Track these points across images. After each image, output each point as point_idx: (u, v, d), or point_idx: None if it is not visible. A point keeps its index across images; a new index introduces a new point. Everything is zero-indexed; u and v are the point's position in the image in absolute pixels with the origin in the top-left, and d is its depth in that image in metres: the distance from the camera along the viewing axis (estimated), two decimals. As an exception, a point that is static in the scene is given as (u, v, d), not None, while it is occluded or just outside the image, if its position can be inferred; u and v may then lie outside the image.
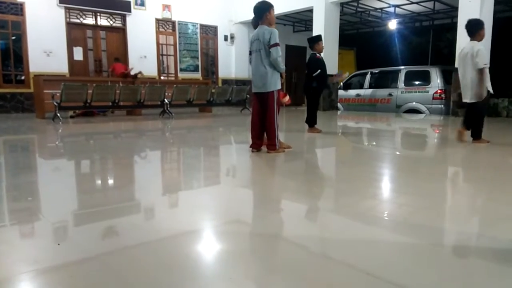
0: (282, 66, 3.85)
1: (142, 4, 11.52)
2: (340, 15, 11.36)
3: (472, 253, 1.66)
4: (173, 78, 12.35)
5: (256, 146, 3.98)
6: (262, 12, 3.80)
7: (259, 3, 3.87)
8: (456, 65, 4.47)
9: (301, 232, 1.86)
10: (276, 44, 3.72)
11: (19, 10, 9.69)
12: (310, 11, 11.36)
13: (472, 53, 4.40)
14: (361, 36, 15.84)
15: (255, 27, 3.95)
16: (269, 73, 3.78)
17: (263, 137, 3.99)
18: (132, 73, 9.94)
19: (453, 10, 11.08)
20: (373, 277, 1.38)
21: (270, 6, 3.83)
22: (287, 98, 4.60)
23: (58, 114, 7.67)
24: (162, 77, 12.21)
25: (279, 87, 3.89)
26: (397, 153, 4.62)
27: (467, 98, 4.60)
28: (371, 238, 1.78)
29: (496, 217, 2.11)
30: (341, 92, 11.21)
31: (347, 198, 2.51)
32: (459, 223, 2.07)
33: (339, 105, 11.35)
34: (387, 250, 1.64)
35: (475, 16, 8.24)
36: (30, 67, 9.88)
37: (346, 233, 1.92)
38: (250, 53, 3.98)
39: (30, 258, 1.54)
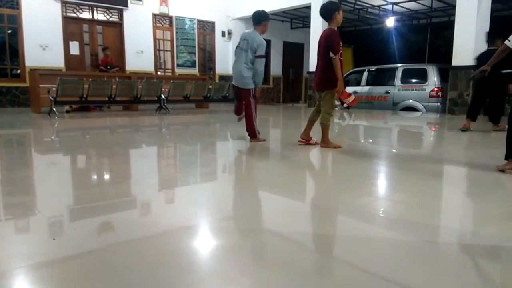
0: (261, 80, 4.26)
1: (139, -1, 11.46)
2: (338, 12, 11.32)
3: (466, 250, 1.67)
4: (170, 74, 12.30)
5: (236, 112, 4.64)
6: (261, 19, 4.25)
7: (261, 10, 4.34)
8: None
9: (296, 229, 1.86)
10: (261, 56, 4.15)
11: (15, 3, 9.60)
12: (308, 7, 11.34)
13: None
14: (358, 34, 15.83)
15: None
16: (249, 74, 4.22)
17: (242, 110, 4.52)
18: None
19: (451, 8, 11.08)
20: (367, 274, 1.38)
21: (268, 18, 4.33)
22: (351, 98, 4.17)
23: (54, 109, 7.63)
24: (159, 73, 12.17)
25: (253, 86, 4.29)
26: (393, 150, 4.64)
27: None
28: (366, 235, 1.79)
29: (490, 215, 2.12)
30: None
31: (343, 195, 2.52)
32: (453, 221, 2.09)
33: (336, 102, 11.35)
34: (382, 247, 1.65)
35: (472, 15, 8.27)
36: (26, 61, 9.80)
37: (342, 230, 1.93)
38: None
39: (25, 253, 1.54)
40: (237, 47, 4.41)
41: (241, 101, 4.47)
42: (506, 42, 3.20)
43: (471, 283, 1.36)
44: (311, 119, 4.29)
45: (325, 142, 4.15)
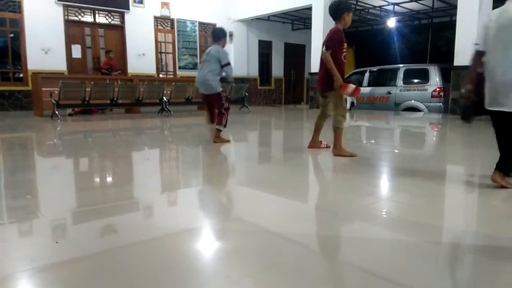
0: (232, 78, 4.82)
1: (141, 2, 11.49)
2: (339, 13, 11.33)
3: (469, 251, 1.66)
4: (171, 76, 12.33)
5: (210, 122, 4.89)
6: (220, 36, 4.66)
7: (220, 28, 4.81)
8: (481, 43, 2.71)
9: (298, 230, 1.86)
10: (228, 64, 4.56)
11: (17, 7, 9.65)
12: (309, 9, 11.35)
13: None
14: (360, 34, 15.83)
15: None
16: (213, 78, 4.54)
17: (214, 119, 4.73)
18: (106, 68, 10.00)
19: (452, 8, 11.07)
20: (369, 274, 1.38)
21: (226, 35, 4.79)
22: (351, 87, 3.72)
23: (57, 112, 7.66)
24: (160, 75, 12.19)
25: (221, 88, 4.63)
26: (396, 151, 4.63)
27: (503, 104, 2.46)
28: (369, 236, 1.78)
29: (492, 215, 2.11)
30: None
31: (345, 196, 2.51)
32: (455, 221, 2.08)
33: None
34: (384, 247, 1.64)
35: (474, 14, 8.25)
36: (28, 65, 9.84)
37: (344, 231, 1.93)
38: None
39: (28, 256, 1.54)
40: (200, 62, 4.86)
41: (212, 108, 4.77)
42: (475, 46, 2.68)
43: (471, 283, 1.36)
44: (318, 124, 4.15)
45: (337, 149, 3.79)
